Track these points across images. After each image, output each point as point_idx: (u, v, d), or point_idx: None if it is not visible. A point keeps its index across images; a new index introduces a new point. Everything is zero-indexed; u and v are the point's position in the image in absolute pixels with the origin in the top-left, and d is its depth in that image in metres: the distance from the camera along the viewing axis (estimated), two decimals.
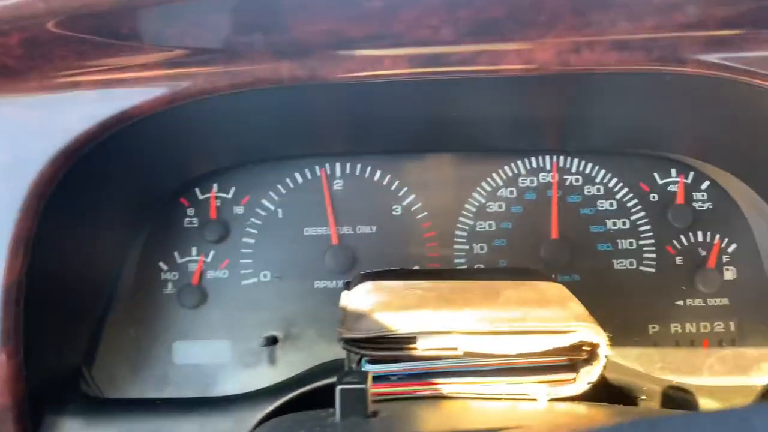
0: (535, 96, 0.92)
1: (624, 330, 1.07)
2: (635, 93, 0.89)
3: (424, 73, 0.79)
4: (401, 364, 0.76)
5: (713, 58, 0.76)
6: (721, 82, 0.79)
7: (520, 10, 0.69)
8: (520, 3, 0.68)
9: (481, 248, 1.12)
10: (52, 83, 0.78)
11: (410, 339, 0.75)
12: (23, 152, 0.76)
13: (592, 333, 0.73)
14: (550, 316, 0.76)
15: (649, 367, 0.99)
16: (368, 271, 0.99)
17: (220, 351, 1.09)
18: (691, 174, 1.12)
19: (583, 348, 0.75)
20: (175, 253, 1.12)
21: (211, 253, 1.12)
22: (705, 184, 1.12)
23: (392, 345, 0.75)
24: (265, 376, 1.02)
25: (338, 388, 0.62)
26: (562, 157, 1.13)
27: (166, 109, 0.81)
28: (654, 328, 1.09)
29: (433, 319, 0.76)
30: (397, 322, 0.75)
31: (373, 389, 0.73)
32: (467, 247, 1.13)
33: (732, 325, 1.08)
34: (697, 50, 0.76)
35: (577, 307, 0.79)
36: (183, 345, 1.09)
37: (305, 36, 0.75)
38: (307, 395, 0.84)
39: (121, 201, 1.02)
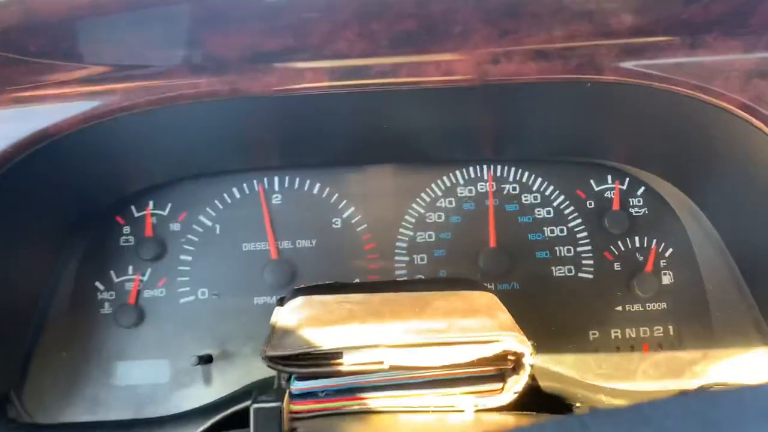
0: (464, 106, 0.92)
1: (564, 337, 1.07)
2: (563, 102, 0.90)
3: (345, 86, 0.78)
4: (329, 379, 0.75)
5: (629, 65, 0.77)
6: (642, 90, 0.80)
7: (432, 22, 0.69)
8: (430, 15, 0.68)
9: (422, 259, 1.12)
10: None
11: (336, 354, 0.74)
12: None
13: (516, 342, 0.73)
14: (475, 326, 0.75)
15: (586, 373, 0.99)
16: (302, 285, 0.98)
17: (159, 371, 1.06)
18: (627, 180, 1.13)
19: (509, 357, 0.75)
20: (111, 272, 1.09)
21: (148, 271, 1.10)
22: (640, 190, 1.13)
23: (318, 361, 0.74)
24: (199, 396, 1.00)
25: (252, 407, 0.61)
26: (499, 167, 1.13)
27: (87, 126, 0.80)
28: (594, 334, 1.09)
29: (359, 333, 0.75)
30: (322, 338, 0.74)
31: (299, 406, 0.72)
32: (407, 258, 1.12)
33: (671, 329, 1.09)
34: (613, 58, 0.77)
35: (504, 316, 0.79)
36: (120, 366, 1.06)
37: (221, 50, 0.74)
38: (236, 415, 0.83)
39: (50, 221, 1.00)
